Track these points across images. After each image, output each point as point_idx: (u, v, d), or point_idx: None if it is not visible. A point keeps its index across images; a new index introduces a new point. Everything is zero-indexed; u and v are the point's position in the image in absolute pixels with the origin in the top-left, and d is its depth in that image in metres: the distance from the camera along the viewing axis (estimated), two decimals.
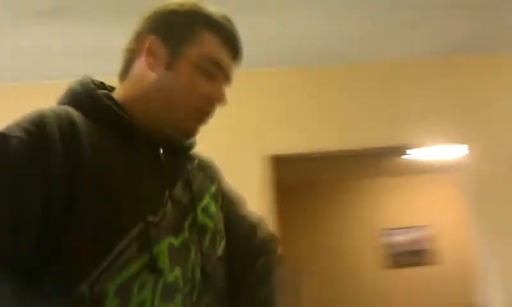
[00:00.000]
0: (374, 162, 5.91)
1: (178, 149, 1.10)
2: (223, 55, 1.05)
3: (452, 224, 6.57)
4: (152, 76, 1.02)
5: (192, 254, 1.02)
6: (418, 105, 3.67)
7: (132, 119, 1.00)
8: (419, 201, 6.70)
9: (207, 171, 1.19)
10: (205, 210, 1.10)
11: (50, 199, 0.85)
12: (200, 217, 1.07)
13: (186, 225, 1.03)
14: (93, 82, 1.05)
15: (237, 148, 3.51)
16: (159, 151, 1.04)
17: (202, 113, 1.06)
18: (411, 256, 6.58)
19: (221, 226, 1.14)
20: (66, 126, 0.90)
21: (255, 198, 3.41)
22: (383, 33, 3.33)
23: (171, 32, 1.04)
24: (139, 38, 1.06)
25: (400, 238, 6.65)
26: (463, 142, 3.70)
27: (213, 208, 1.13)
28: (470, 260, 5.17)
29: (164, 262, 0.93)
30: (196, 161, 1.17)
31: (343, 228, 6.57)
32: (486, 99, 3.74)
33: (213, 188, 1.17)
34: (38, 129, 0.88)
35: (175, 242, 0.98)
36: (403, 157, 5.71)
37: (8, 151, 0.85)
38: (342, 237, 6.53)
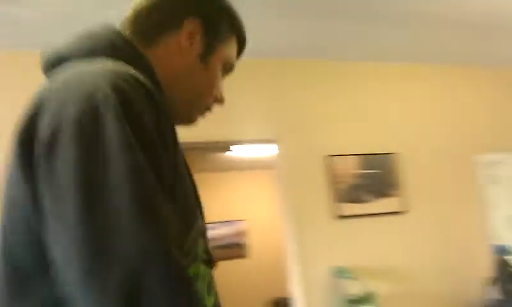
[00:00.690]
0: (196, 158, 5.94)
1: None
2: (235, 62, 1.09)
3: (266, 219, 6.86)
4: (185, 60, 0.99)
5: None
6: (239, 104, 3.76)
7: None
8: (237, 196, 6.89)
9: None
10: None
11: None
12: None
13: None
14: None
15: None
16: None
17: (207, 110, 1.08)
18: (228, 249, 6.73)
19: None
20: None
21: None
22: None
23: (214, 25, 1.02)
24: (180, 10, 1.00)
25: (217, 232, 6.76)
26: (274, 142, 3.88)
27: None
28: (279, 254, 5.49)
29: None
30: None
31: None
32: (298, 102, 3.97)
33: None
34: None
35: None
36: (225, 153, 5.82)
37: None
38: None
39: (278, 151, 3.88)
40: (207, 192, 6.85)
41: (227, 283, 6.53)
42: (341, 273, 3.67)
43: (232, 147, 4.44)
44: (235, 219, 6.89)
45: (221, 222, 6.83)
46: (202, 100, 1.04)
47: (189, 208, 0.87)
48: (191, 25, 0.99)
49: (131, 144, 0.69)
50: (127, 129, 0.69)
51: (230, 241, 6.82)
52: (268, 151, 5.20)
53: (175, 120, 0.95)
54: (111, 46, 0.88)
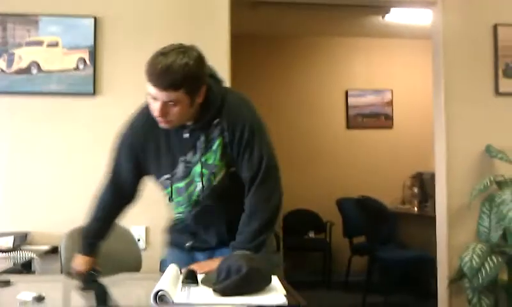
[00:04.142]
0: (346, 19, 5.70)
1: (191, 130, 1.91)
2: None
3: (413, 91, 6.54)
4: None
5: (192, 188, 1.94)
6: None
7: None
8: (387, 65, 6.56)
9: (222, 127, 1.89)
10: (204, 163, 1.91)
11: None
12: (198, 168, 1.92)
13: (191, 174, 1.93)
14: None
15: None
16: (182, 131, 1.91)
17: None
18: (374, 118, 6.58)
19: (218, 169, 1.91)
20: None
21: (215, 46, 3.23)
22: None
23: None
24: None
25: (364, 100, 6.60)
26: (435, 4, 3.53)
27: (211, 160, 1.90)
28: (425, 129, 5.27)
29: (174, 194, 1.97)
30: (215, 123, 1.89)
31: (308, 84, 6.40)
32: None
33: (219, 141, 1.89)
34: None
35: (180, 184, 1.95)
36: (383, 16, 5.53)
37: None
38: (305, 93, 6.38)
39: (435, 17, 3.53)
40: (357, 58, 6.62)
41: (373, 151, 6.47)
42: (493, 153, 3.40)
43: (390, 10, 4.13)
44: (382, 87, 6.64)
45: (368, 90, 6.62)
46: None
47: (155, 171, 1.98)
48: None
49: None
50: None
51: (376, 110, 6.63)
52: (423, 19, 4.84)
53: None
54: None
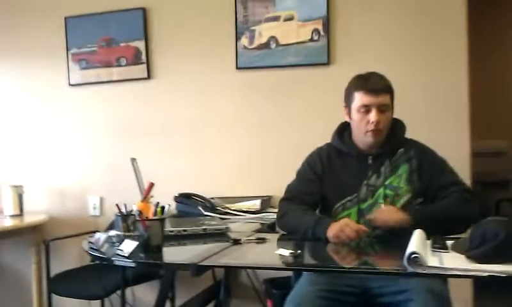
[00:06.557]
0: None
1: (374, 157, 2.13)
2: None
3: None
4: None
5: (375, 209, 2.04)
6: None
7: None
8: None
9: (408, 155, 2.12)
10: (388, 185, 2.07)
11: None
12: (382, 191, 2.07)
13: (375, 196, 2.07)
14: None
15: None
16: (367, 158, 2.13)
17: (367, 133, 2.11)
18: None
19: (403, 192, 2.06)
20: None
21: (450, 11, 3.05)
22: None
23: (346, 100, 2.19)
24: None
25: None
26: None
27: (395, 182, 2.08)
28: None
29: (354, 216, 2.07)
30: (401, 151, 2.12)
31: None
32: None
33: (405, 166, 2.10)
34: None
35: (363, 206, 2.08)
36: None
37: None
38: None
39: None
40: None
41: None
42: None
43: None
44: None
45: None
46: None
47: (334, 195, 2.14)
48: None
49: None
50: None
51: None
52: None
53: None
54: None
